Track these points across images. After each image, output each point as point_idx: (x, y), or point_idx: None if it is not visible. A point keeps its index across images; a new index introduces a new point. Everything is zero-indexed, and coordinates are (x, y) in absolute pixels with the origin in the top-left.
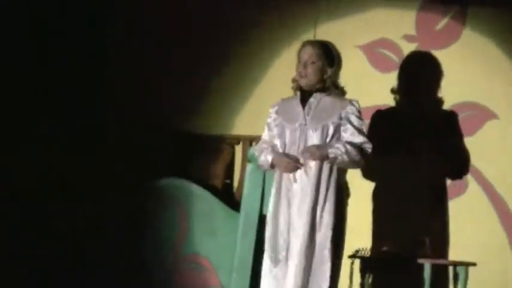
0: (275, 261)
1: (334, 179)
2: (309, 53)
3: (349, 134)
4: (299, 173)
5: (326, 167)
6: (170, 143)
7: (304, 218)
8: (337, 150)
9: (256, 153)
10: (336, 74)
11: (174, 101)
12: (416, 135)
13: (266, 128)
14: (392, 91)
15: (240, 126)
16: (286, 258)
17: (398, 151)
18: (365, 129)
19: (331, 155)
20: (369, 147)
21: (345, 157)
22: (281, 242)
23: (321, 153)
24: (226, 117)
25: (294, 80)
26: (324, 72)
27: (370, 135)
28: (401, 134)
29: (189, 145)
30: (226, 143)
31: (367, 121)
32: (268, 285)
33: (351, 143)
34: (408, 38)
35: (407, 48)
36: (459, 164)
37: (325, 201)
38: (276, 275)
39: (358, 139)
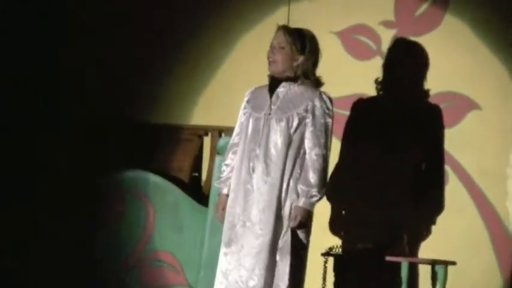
0: (226, 254)
1: (297, 176)
2: (279, 37)
3: (309, 132)
4: (259, 165)
5: (289, 163)
6: (133, 134)
7: (263, 215)
8: (310, 196)
9: (223, 170)
10: (307, 63)
11: (132, 90)
12: (397, 128)
13: (238, 118)
14: (376, 81)
15: (202, 115)
16: (238, 252)
17: (377, 143)
18: (330, 126)
19: (312, 204)
20: (321, 159)
21: (321, 191)
22: (233, 235)
23: (305, 214)
24: (186, 107)
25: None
26: (294, 59)
27: (349, 124)
28: (381, 126)
29: (153, 136)
30: (193, 133)
31: (343, 111)
32: (219, 281)
33: (309, 178)
34: (386, 24)
35: (386, 34)
36: (435, 179)
37: (286, 200)
38: (226, 269)
39: (314, 150)
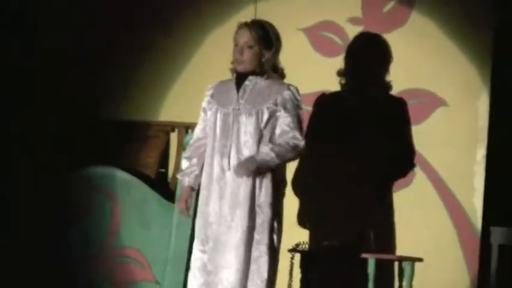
0: (203, 252)
1: (270, 172)
2: (245, 36)
3: (283, 123)
4: (231, 161)
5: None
6: (100, 131)
7: (238, 210)
8: (267, 156)
9: (184, 162)
10: (274, 57)
11: (99, 87)
12: (361, 122)
13: (201, 113)
14: (339, 73)
15: (169, 112)
16: (216, 250)
17: (341, 138)
18: (302, 117)
19: (262, 165)
20: (301, 143)
21: (277, 160)
22: (209, 232)
23: (251, 167)
24: (153, 103)
25: (232, 62)
26: (262, 56)
27: (312, 120)
28: (345, 120)
29: (120, 133)
30: (160, 130)
31: (310, 108)
32: (196, 277)
33: (279, 144)
34: (354, 21)
35: (353, 31)
36: (402, 164)
37: (260, 194)
38: (204, 265)
39: (291, 133)
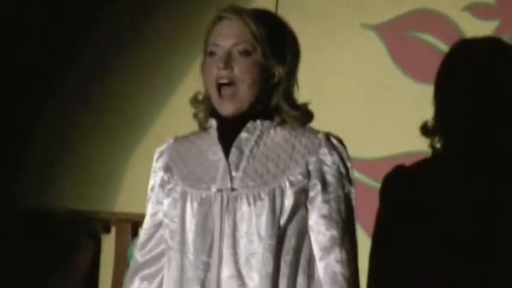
0: None
1: None
2: (235, 32)
3: (319, 216)
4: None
5: (285, 279)
6: None
7: None
8: None
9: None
10: (291, 79)
11: None
12: (484, 218)
13: (150, 202)
14: (425, 128)
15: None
16: None
17: (450, 255)
18: (353, 199)
19: None
20: (348, 258)
21: None
22: None
23: None
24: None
25: (196, 101)
26: (269, 74)
27: (383, 223)
28: (449, 218)
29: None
30: (84, 230)
31: (374, 183)
32: None
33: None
34: (478, 10)
35: (473, 29)
36: None
37: None
38: None
39: (335, 235)
